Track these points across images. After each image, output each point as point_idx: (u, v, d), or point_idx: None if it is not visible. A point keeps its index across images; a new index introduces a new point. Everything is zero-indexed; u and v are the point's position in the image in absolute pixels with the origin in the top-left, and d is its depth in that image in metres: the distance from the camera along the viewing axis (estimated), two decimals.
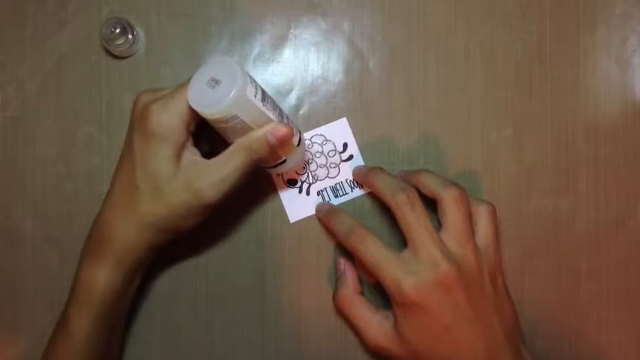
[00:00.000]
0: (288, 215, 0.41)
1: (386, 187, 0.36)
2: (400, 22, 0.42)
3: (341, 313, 0.39)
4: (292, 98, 0.41)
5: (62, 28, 0.41)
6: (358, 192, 0.41)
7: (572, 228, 0.42)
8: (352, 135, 0.41)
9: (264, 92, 0.33)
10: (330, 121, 0.41)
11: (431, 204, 0.36)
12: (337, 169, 0.41)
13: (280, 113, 0.34)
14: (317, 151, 0.41)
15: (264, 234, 0.41)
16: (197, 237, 0.41)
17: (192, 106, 0.32)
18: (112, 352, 0.38)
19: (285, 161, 0.36)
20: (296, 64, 0.42)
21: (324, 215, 0.39)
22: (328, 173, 0.41)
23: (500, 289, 0.36)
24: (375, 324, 0.36)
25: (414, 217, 0.34)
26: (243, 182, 0.34)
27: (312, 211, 0.41)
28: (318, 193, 0.41)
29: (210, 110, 0.31)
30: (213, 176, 0.33)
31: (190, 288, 0.41)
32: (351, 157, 0.41)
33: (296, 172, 0.41)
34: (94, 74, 0.41)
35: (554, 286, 0.41)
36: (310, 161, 0.41)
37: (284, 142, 0.34)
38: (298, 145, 0.36)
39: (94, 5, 0.41)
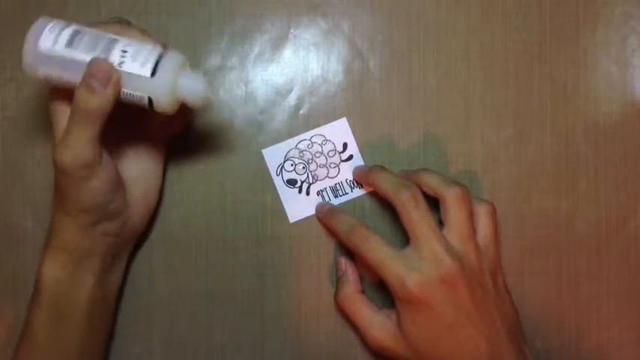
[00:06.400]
0: (288, 215, 0.41)
1: (388, 185, 0.36)
2: (400, 22, 0.42)
3: (342, 312, 0.39)
4: (292, 98, 0.41)
5: None
6: (358, 192, 0.41)
7: (573, 228, 0.41)
8: (352, 135, 0.41)
9: (75, 32, 0.28)
10: (330, 121, 0.41)
11: (432, 202, 0.36)
12: (337, 169, 0.41)
13: (109, 45, 0.29)
14: (317, 151, 0.41)
15: (264, 234, 0.41)
16: (197, 237, 0.41)
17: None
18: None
19: (151, 100, 0.30)
20: (296, 64, 0.42)
21: (325, 215, 0.39)
22: (328, 173, 0.41)
23: (501, 287, 0.36)
24: (377, 323, 0.36)
25: (417, 214, 0.34)
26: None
27: (312, 211, 0.41)
28: (318, 193, 0.41)
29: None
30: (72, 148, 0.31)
31: (190, 288, 0.41)
32: (350, 157, 0.41)
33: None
34: None
35: (554, 286, 0.41)
36: (310, 161, 0.41)
37: (107, 79, 0.29)
38: (154, 74, 0.29)
39: (94, 5, 0.41)
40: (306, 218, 0.41)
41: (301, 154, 0.41)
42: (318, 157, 0.41)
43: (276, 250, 0.41)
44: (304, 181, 0.41)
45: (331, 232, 0.40)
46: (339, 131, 0.41)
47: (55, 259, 0.34)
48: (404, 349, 0.35)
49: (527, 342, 0.41)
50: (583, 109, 0.42)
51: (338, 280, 0.39)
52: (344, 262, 0.39)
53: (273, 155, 0.41)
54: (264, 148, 0.41)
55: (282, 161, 0.41)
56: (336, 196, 0.41)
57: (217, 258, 0.41)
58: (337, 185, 0.41)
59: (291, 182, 0.41)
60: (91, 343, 0.37)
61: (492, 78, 0.41)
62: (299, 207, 0.41)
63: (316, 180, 0.41)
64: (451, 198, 0.35)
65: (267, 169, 0.41)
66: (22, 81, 0.41)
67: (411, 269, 0.33)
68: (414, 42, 0.42)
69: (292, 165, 0.41)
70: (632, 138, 0.42)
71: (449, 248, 0.34)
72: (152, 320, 0.41)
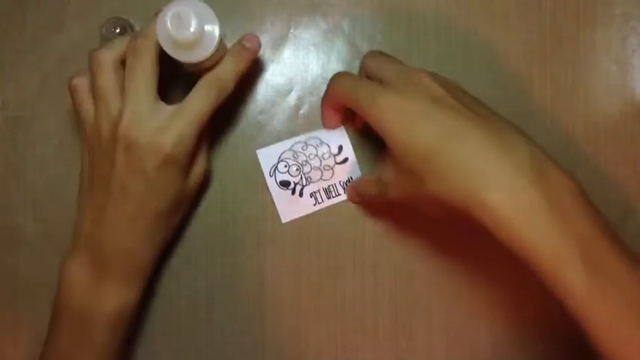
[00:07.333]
0: (281, 216, 0.41)
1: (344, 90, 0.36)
2: (400, 22, 0.42)
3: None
4: (292, 98, 0.41)
5: (62, 28, 0.41)
6: None
7: None
8: (348, 138, 0.41)
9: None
10: None
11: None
12: (331, 171, 0.41)
13: None
14: (311, 153, 0.41)
15: (264, 234, 0.41)
16: (197, 237, 0.41)
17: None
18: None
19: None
20: (296, 64, 0.42)
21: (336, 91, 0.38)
22: (322, 175, 0.41)
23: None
24: (379, 172, 0.37)
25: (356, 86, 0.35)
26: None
27: (304, 212, 0.41)
28: (311, 195, 0.41)
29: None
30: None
31: (190, 288, 0.41)
32: (345, 159, 0.41)
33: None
34: None
35: None
36: (304, 163, 0.41)
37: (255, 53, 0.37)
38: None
39: (94, 5, 0.41)
40: (301, 219, 0.41)
41: (295, 156, 0.40)
42: (312, 160, 0.41)
43: (276, 249, 0.41)
44: (297, 183, 0.41)
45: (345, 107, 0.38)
46: (335, 134, 0.41)
47: (129, 286, 0.36)
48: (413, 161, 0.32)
49: (528, 342, 0.41)
50: (583, 109, 0.42)
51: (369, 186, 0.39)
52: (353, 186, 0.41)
53: (266, 156, 0.40)
54: (262, 148, 0.40)
55: (276, 162, 0.40)
56: (328, 197, 0.41)
57: (217, 258, 0.41)
58: (330, 187, 0.41)
59: (285, 184, 0.41)
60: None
61: (492, 78, 0.41)
62: (292, 208, 0.41)
63: (310, 182, 0.41)
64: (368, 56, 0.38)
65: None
66: (22, 81, 0.41)
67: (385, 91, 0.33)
68: (414, 42, 0.42)
69: (286, 166, 0.40)
70: (631, 138, 0.41)
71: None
72: (152, 320, 0.41)
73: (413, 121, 0.31)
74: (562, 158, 0.41)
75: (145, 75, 0.34)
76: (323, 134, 0.41)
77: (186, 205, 0.38)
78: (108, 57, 0.34)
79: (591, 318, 0.28)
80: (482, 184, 0.29)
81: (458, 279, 0.41)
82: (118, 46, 0.35)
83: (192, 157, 0.36)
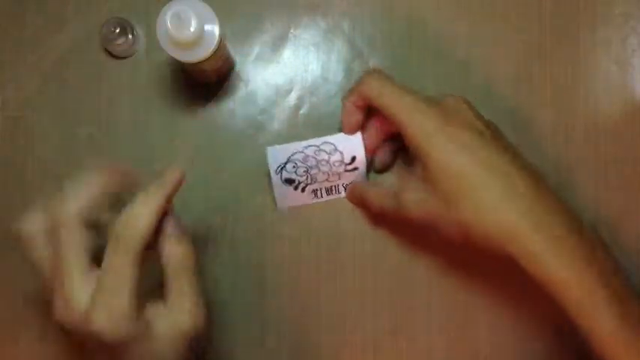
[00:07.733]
0: (277, 204, 0.40)
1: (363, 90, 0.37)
2: (400, 22, 0.42)
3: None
4: (292, 98, 0.41)
5: (62, 28, 0.41)
6: None
7: None
8: (363, 149, 0.39)
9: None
10: (329, 121, 0.41)
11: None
12: (337, 176, 0.40)
13: None
14: (323, 159, 0.40)
15: (264, 233, 0.41)
16: (197, 237, 0.41)
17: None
18: None
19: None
20: (296, 64, 0.42)
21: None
22: (328, 178, 0.40)
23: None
24: (398, 187, 0.36)
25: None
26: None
27: (301, 202, 0.41)
28: (312, 191, 0.41)
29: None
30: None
31: None
32: (355, 169, 0.40)
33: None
34: (94, 74, 0.41)
35: None
36: (313, 167, 0.40)
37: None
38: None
39: (94, 5, 0.41)
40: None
41: (305, 159, 0.40)
42: (323, 166, 0.40)
43: (277, 249, 0.41)
44: (302, 182, 0.40)
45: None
46: (352, 143, 0.39)
47: None
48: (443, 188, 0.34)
49: (528, 343, 0.41)
50: (583, 109, 0.42)
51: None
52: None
53: (276, 154, 0.39)
54: (265, 147, 0.39)
55: (285, 162, 0.39)
56: (328, 194, 0.41)
57: (218, 257, 0.41)
58: (332, 187, 0.41)
59: (289, 181, 0.40)
60: None
61: (492, 78, 0.41)
62: (289, 198, 0.40)
63: (314, 182, 0.40)
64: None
65: (267, 168, 0.40)
66: (22, 81, 0.41)
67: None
68: (414, 42, 0.42)
69: (294, 167, 0.40)
70: (631, 138, 0.41)
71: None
72: None
73: (460, 150, 0.33)
74: (562, 158, 0.41)
75: (74, 271, 0.29)
76: (338, 141, 0.39)
77: None
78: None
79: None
80: (519, 220, 0.32)
81: (458, 279, 0.41)
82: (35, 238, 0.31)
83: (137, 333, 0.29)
